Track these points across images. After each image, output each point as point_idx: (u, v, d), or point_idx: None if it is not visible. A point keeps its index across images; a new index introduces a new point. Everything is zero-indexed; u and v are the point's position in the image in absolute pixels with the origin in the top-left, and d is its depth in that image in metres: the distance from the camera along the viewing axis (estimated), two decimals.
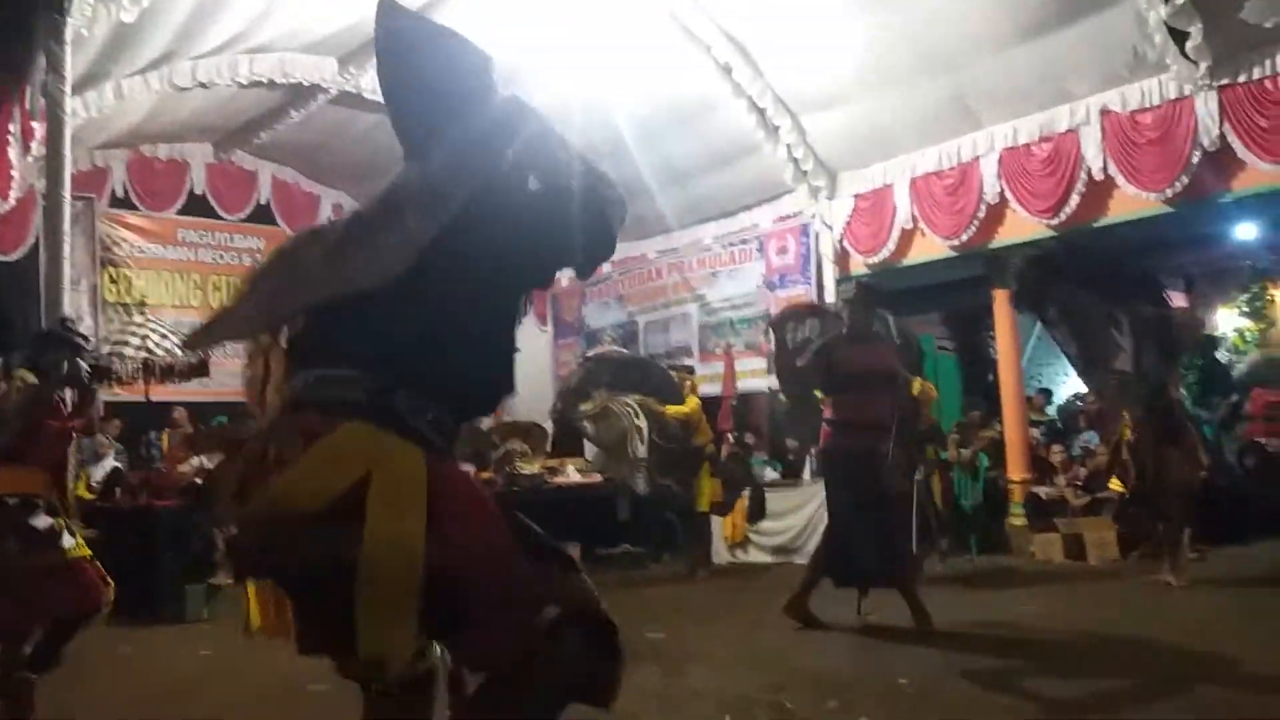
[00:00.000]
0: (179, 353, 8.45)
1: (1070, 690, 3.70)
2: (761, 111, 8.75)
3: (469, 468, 8.76)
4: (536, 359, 11.69)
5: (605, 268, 9.87)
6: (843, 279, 9.32)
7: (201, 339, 2.02)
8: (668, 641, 4.83)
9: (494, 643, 1.66)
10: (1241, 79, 6.69)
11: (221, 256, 10.66)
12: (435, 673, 1.81)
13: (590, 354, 10.04)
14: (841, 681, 3.94)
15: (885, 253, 8.98)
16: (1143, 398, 5.89)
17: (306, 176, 10.95)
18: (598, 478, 10.01)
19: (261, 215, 10.76)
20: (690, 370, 8.76)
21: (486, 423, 9.97)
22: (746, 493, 8.67)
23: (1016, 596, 6.18)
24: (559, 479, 9.41)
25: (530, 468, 9.22)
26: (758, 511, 8.62)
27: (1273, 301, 10.78)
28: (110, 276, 10.06)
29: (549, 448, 10.59)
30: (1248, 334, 10.85)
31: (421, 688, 1.79)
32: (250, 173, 10.64)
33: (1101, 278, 6.56)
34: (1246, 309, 10.83)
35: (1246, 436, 8.80)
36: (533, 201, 1.87)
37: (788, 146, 8.94)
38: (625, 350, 10.14)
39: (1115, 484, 7.24)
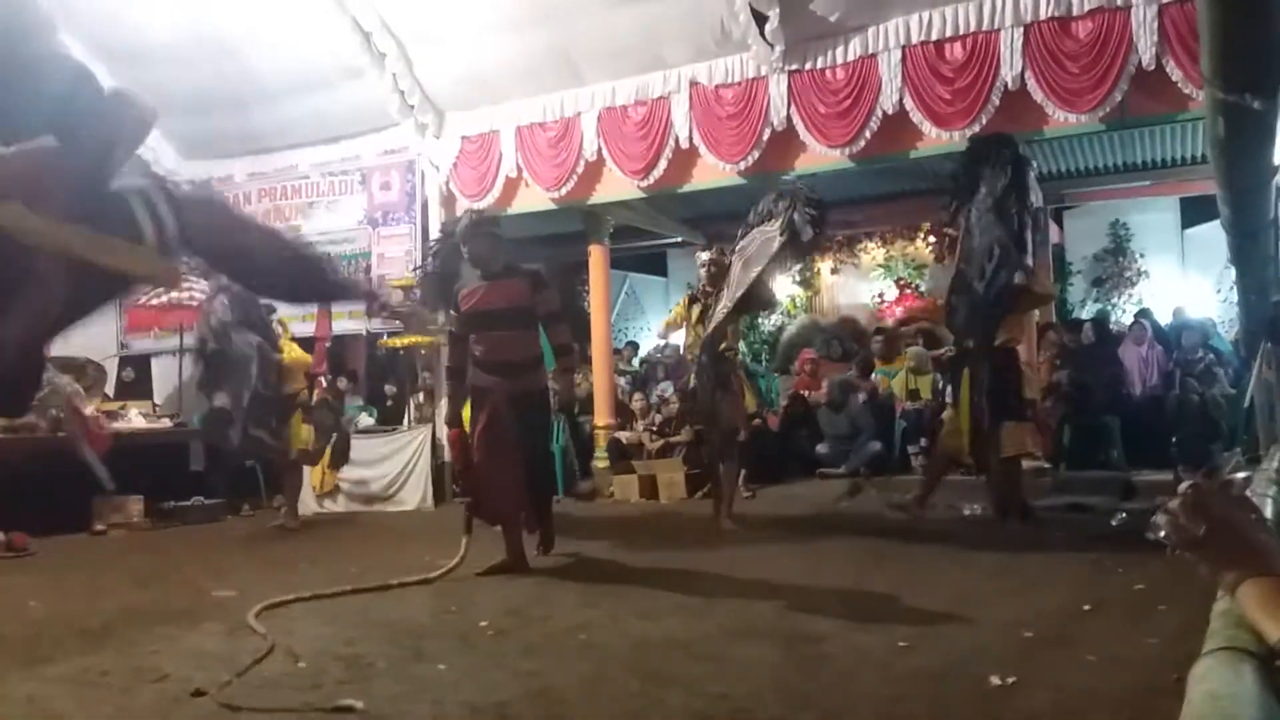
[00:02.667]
0: None
1: (622, 606, 3.94)
2: (367, 35, 8.28)
3: None
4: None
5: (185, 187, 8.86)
6: (447, 222, 9.19)
7: None
8: (239, 599, 4.46)
9: None
10: (809, 66, 7.47)
11: None
12: None
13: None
14: (418, 629, 3.88)
15: (490, 199, 8.95)
16: (706, 348, 6.36)
17: None
18: (167, 423, 9.11)
19: None
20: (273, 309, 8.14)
21: None
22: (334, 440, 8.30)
23: (596, 532, 6.51)
24: (118, 424, 8.39)
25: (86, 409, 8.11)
26: (340, 459, 8.29)
27: (819, 273, 12.33)
28: None
29: (109, 389, 9.44)
30: (799, 300, 12.33)
31: None
32: None
33: None
34: (798, 278, 12.27)
35: (794, 389, 9.99)
36: None
37: (394, 76, 8.55)
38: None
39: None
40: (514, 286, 5.26)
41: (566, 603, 4.33)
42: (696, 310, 6.63)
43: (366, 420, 9.76)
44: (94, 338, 8.74)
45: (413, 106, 8.81)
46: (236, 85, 8.91)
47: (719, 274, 6.47)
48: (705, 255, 6.72)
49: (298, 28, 8.32)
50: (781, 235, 5.80)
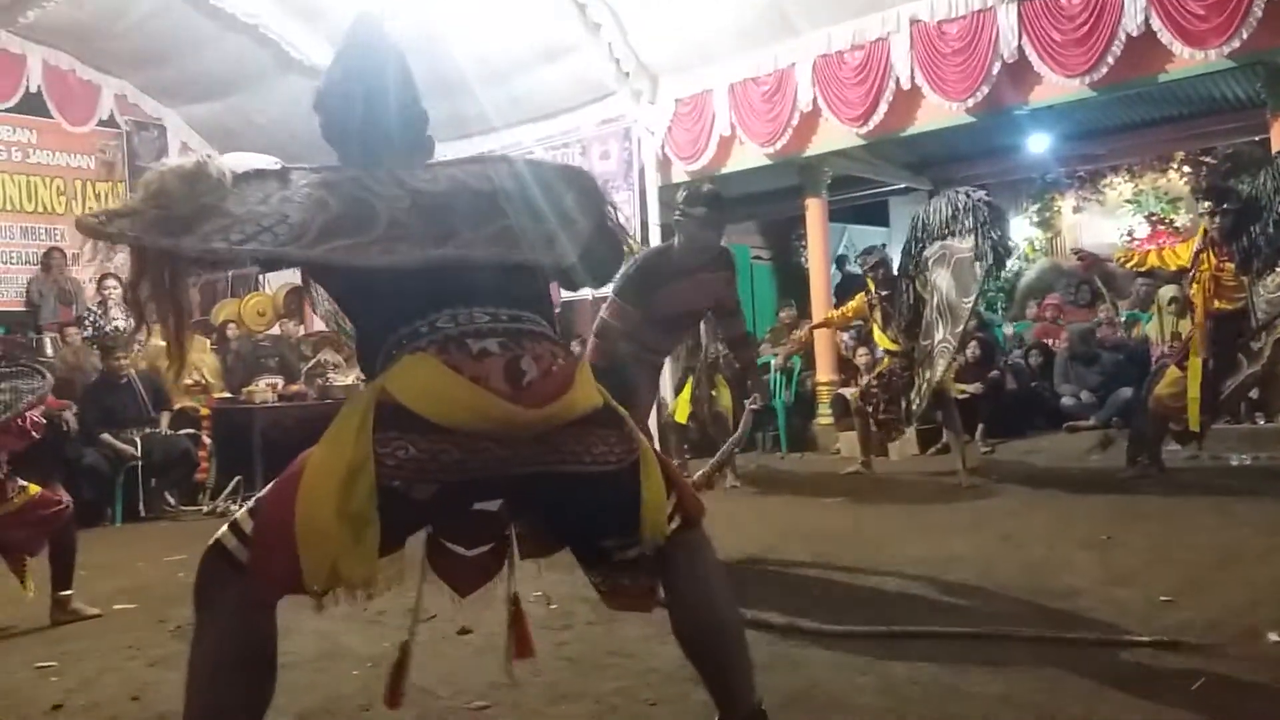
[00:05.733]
0: None
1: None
2: (582, 7, 8.49)
3: (276, 380, 8.36)
4: None
5: None
6: (665, 186, 9.32)
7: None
8: None
9: None
10: None
11: None
12: None
13: None
14: None
15: (705, 160, 9.00)
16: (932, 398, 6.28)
17: (83, 62, 9.86)
18: None
19: (32, 105, 9.65)
20: None
21: (298, 333, 9.53)
22: None
23: (822, 490, 6.48)
24: None
25: (344, 380, 8.86)
26: None
27: (1059, 212, 11.57)
28: None
29: None
30: (1037, 243, 11.63)
31: None
32: (17, 56, 9.49)
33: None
34: (1036, 219, 11.57)
35: (1035, 337, 9.47)
36: None
37: (609, 45, 8.73)
38: None
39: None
40: (715, 281, 4.19)
41: (800, 555, 4.34)
42: (878, 314, 6.63)
43: None
44: None
45: (628, 74, 8.97)
46: (464, 69, 9.37)
47: (887, 277, 6.52)
48: (871, 259, 6.73)
49: (518, 6, 8.63)
50: (979, 262, 5.67)
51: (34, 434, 3.92)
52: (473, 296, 1.82)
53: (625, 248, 2.15)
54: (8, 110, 9.53)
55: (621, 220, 2.12)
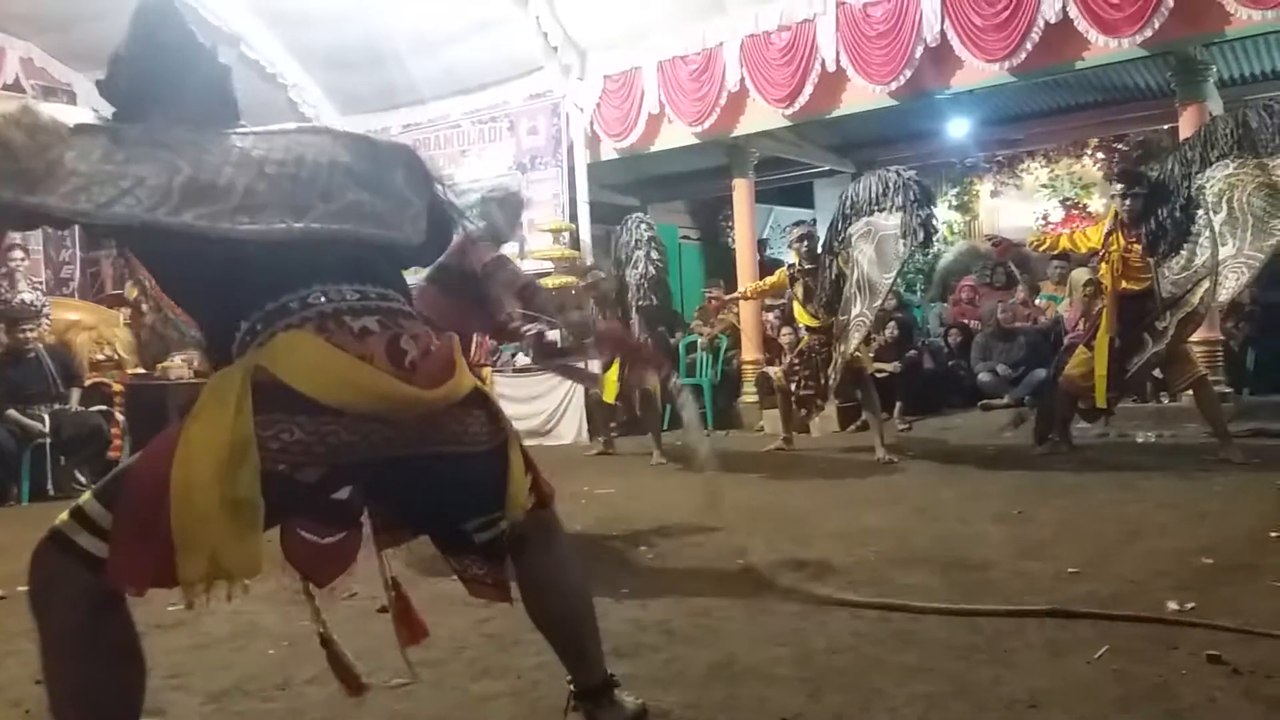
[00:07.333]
0: None
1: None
2: None
3: (192, 355, 8.14)
4: None
5: None
6: (593, 164, 9.29)
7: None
8: None
9: None
10: None
11: None
12: None
13: None
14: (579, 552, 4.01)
15: (633, 138, 8.98)
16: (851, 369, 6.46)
17: (56, 58, 9.54)
18: None
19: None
20: None
21: None
22: None
23: (745, 466, 6.55)
24: None
25: None
26: None
27: (977, 196, 11.83)
28: None
29: None
30: (955, 226, 11.88)
31: None
32: None
33: None
34: (955, 202, 11.81)
35: (953, 318, 9.70)
36: None
37: (537, 18, 8.64)
38: None
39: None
40: None
41: (723, 530, 4.39)
42: (800, 288, 6.70)
43: (523, 359, 10.05)
44: None
45: (556, 49, 8.89)
46: (389, 40, 9.19)
47: (812, 251, 6.60)
48: (798, 230, 6.82)
49: None
50: (904, 238, 5.85)
51: None
52: (338, 272, 1.75)
53: (458, 228, 2.10)
54: None
55: (451, 198, 2.04)
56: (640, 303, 7.06)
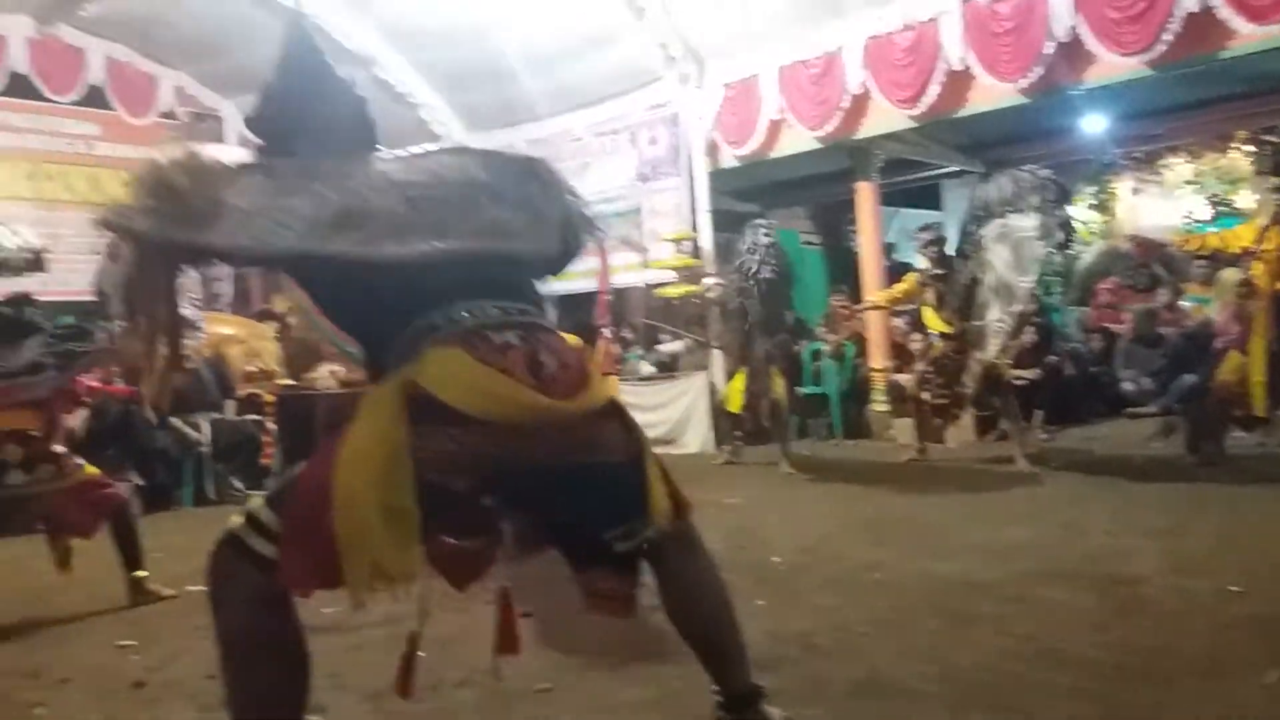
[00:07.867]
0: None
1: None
2: None
3: (338, 366, 8.50)
4: None
5: None
6: (714, 172, 9.31)
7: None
8: None
9: None
10: None
11: (52, 143, 9.79)
12: None
13: None
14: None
15: (754, 144, 8.96)
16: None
17: (141, 54, 10.08)
18: None
19: (94, 99, 9.88)
20: None
21: None
22: None
23: (878, 477, 6.45)
24: None
25: None
26: None
27: (1115, 195, 11.34)
28: None
29: None
30: (1093, 226, 11.41)
31: None
32: (77, 49, 9.70)
33: None
34: (1093, 202, 11.35)
35: (1094, 323, 9.31)
36: None
37: (655, 29, 8.71)
38: None
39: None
40: None
41: (858, 542, 4.34)
42: (931, 293, 6.56)
43: (648, 369, 10.12)
44: None
45: (674, 59, 8.95)
46: (511, 57, 9.41)
47: (942, 255, 6.51)
48: (927, 234, 6.74)
49: None
50: (1043, 239, 5.67)
51: (85, 400, 3.94)
52: (480, 288, 1.83)
53: (593, 237, 2.13)
54: (72, 104, 9.77)
55: (585, 209, 2.09)
56: (759, 309, 7.01)
